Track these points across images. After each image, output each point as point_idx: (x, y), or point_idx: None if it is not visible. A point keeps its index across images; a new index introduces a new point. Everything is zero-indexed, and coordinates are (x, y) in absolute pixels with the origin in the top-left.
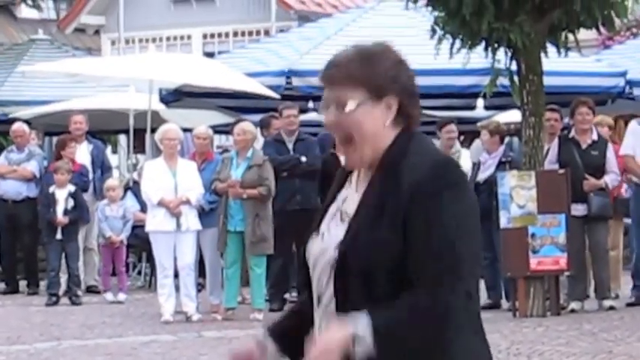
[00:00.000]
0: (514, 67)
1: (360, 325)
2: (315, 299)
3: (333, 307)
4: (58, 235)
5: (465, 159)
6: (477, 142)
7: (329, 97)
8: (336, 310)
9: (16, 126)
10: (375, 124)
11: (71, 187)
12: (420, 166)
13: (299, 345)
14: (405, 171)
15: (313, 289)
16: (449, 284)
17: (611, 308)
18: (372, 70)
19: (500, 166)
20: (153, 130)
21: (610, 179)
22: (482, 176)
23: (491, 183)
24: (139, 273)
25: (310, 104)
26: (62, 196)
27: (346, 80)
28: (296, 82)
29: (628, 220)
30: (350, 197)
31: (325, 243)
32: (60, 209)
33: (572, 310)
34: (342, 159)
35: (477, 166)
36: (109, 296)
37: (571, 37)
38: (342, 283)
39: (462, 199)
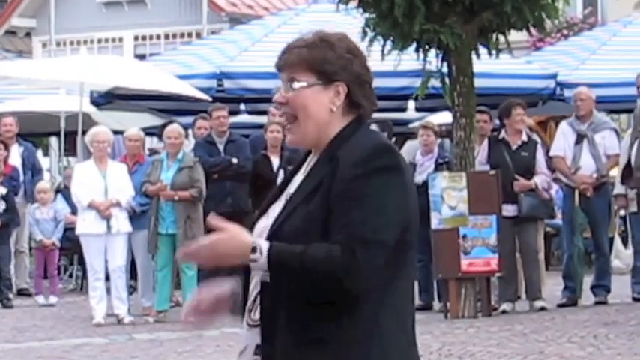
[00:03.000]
0: (445, 68)
1: (264, 242)
2: (254, 278)
3: (261, 286)
4: None
5: None
6: (408, 144)
7: (282, 79)
8: (261, 290)
9: None
10: (321, 107)
11: (2, 190)
12: (358, 150)
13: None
14: (343, 154)
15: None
16: (357, 251)
17: (542, 309)
18: (324, 55)
19: (439, 167)
20: (84, 133)
21: (540, 180)
22: (420, 178)
23: (426, 184)
24: (71, 276)
25: (242, 106)
26: None
27: (298, 63)
28: (227, 84)
29: (559, 222)
30: (297, 180)
31: (268, 221)
32: None
33: (504, 311)
34: (274, 160)
35: (413, 168)
36: (40, 299)
37: (502, 38)
38: (278, 264)
39: (390, 183)
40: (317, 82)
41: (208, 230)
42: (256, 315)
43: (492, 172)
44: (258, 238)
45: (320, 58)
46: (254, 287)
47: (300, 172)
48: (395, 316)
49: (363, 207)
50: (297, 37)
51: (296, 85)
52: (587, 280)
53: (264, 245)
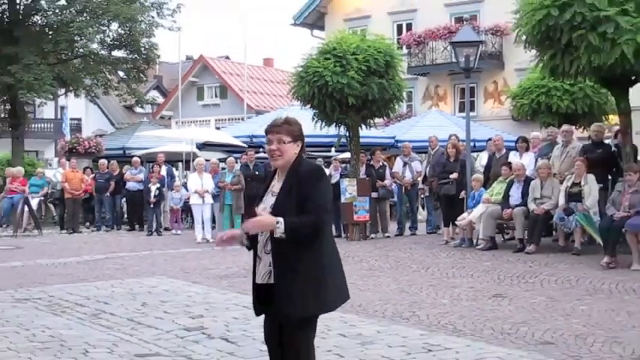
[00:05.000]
0: (347, 134)
1: (280, 219)
2: (261, 234)
3: (267, 236)
4: None
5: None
6: (331, 166)
7: (273, 138)
8: (271, 235)
9: None
10: (292, 151)
11: (157, 184)
12: (306, 169)
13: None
14: (300, 171)
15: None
16: (320, 214)
17: (388, 237)
18: (292, 129)
19: (342, 176)
20: (192, 160)
21: (387, 182)
22: (333, 180)
23: (337, 184)
24: (186, 221)
25: (260, 150)
26: None
27: (282, 131)
28: (255, 140)
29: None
30: (276, 185)
31: (265, 204)
32: None
33: (372, 238)
34: (274, 164)
35: (330, 176)
36: (173, 231)
37: (371, 121)
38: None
39: (325, 184)
40: (291, 141)
41: (247, 206)
42: (268, 248)
43: (367, 178)
44: (267, 213)
45: (292, 130)
46: (264, 237)
47: (274, 180)
48: (330, 242)
49: (318, 194)
50: (275, 119)
51: (284, 141)
52: (407, 225)
53: (281, 220)
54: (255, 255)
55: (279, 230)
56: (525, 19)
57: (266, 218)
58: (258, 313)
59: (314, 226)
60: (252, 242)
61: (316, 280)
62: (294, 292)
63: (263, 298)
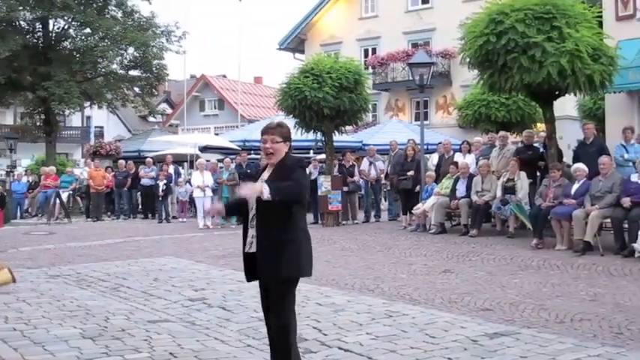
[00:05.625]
0: (323, 138)
1: (266, 184)
2: (250, 212)
3: (254, 211)
4: None
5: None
6: (311, 165)
7: (268, 138)
8: (256, 211)
9: None
10: (283, 150)
11: (165, 181)
12: (291, 161)
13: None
14: (286, 163)
15: (250, 208)
16: (298, 187)
17: (357, 223)
18: (283, 131)
19: (320, 173)
20: (196, 160)
21: (356, 178)
22: (312, 176)
23: (315, 180)
24: (190, 210)
25: (252, 152)
26: None
27: (276, 133)
28: (247, 144)
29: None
30: (266, 174)
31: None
32: None
33: (343, 224)
34: (264, 161)
35: (310, 173)
36: (179, 219)
37: (343, 128)
38: (260, 203)
39: (304, 171)
40: (282, 141)
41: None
42: (254, 222)
43: (339, 175)
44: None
45: (283, 132)
46: (251, 212)
47: (265, 172)
48: (304, 223)
49: (298, 175)
50: (270, 122)
51: (277, 141)
52: (372, 213)
53: (266, 185)
54: (245, 230)
55: (266, 192)
56: (469, 44)
57: (256, 184)
58: (248, 280)
59: (293, 191)
60: (243, 217)
61: (291, 248)
62: (273, 257)
63: (250, 266)
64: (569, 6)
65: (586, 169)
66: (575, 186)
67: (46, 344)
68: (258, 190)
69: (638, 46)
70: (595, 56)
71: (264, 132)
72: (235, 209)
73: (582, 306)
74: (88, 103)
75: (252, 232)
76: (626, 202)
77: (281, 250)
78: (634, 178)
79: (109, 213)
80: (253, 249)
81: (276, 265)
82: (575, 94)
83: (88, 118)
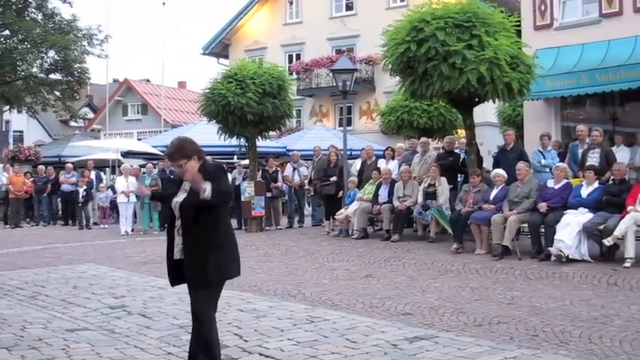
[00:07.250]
0: (246, 144)
1: (208, 183)
2: (177, 221)
3: (179, 223)
4: None
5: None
6: (235, 170)
7: (174, 164)
8: (181, 218)
9: None
10: (193, 165)
11: (84, 187)
12: (211, 168)
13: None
14: (208, 170)
15: (176, 216)
16: (224, 194)
17: (280, 229)
18: (184, 151)
19: (244, 179)
20: (118, 166)
21: (280, 183)
22: (237, 182)
23: (239, 185)
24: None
25: None
26: None
27: (177, 158)
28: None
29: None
30: (187, 184)
31: (178, 200)
32: None
33: (267, 230)
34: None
35: (234, 180)
36: (101, 225)
37: (266, 133)
38: (184, 213)
39: (225, 176)
40: (187, 160)
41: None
42: (180, 232)
43: (263, 181)
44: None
45: (185, 152)
46: (177, 220)
47: (184, 182)
48: (229, 227)
49: (220, 181)
50: (170, 147)
51: (183, 162)
52: (295, 219)
53: (209, 184)
54: (172, 238)
55: (208, 189)
56: (391, 51)
57: (205, 181)
58: (173, 284)
59: (227, 191)
60: (168, 224)
61: (217, 251)
62: (200, 261)
63: (176, 271)
64: (488, 15)
65: (505, 174)
66: (494, 191)
67: None
68: (204, 184)
69: (555, 55)
70: (513, 64)
71: (169, 159)
72: (162, 199)
73: (500, 309)
74: (7, 107)
75: (178, 239)
76: (543, 207)
77: (207, 254)
78: (550, 183)
79: (28, 219)
80: (181, 255)
81: (203, 269)
82: (494, 101)
83: (7, 122)
